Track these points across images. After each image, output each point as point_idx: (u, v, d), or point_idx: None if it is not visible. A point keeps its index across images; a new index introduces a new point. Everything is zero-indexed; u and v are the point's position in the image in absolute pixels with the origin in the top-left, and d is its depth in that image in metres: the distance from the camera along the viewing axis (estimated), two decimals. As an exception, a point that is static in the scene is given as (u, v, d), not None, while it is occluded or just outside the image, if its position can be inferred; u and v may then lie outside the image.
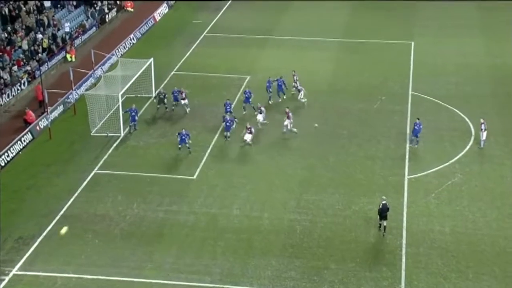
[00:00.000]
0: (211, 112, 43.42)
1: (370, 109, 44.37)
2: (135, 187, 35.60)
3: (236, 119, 40.63)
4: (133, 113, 41.24)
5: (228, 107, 41.87)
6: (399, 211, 33.28)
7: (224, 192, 35.10)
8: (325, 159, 38.30)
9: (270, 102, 44.62)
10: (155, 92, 45.88)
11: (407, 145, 39.49)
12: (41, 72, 47.91)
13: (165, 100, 43.38)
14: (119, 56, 52.97)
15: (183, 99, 43.21)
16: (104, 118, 42.39)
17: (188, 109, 43.07)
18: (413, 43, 55.25)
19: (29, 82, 48.18)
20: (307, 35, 57.77)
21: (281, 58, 52.65)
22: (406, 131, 41.18)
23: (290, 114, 40.42)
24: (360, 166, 37.51)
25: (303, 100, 44.25)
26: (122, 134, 41.00)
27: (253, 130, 39.19)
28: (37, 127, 41.66)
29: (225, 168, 37.45)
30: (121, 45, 55.17)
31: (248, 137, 38.87)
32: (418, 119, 39.54)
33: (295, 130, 40.44)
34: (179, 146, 38.22)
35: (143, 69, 44.58)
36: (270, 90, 44.85)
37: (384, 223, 31.65)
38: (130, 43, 56.57)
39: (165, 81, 48.92)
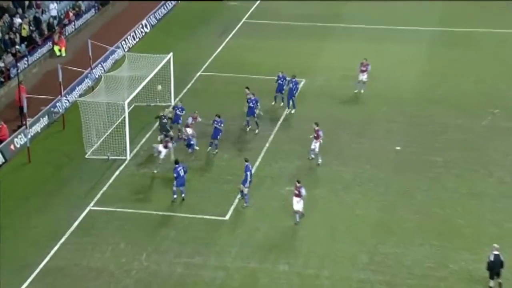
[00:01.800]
0: (250, 128, 43.88)
1: (476, 126, 44.23)
2: (145, 230, 35.90)
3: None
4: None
5: (218, 124, 41.45)
6: (520, 274, 32.89)
7: (268, 240, 35.14)
8: (410, 197, 38.12)
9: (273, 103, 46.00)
10: (174, 100, 46.43)
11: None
12: (19, 71, 48.85)
13: (168, 127, 41.78)
14: (126, 50, 53.76)
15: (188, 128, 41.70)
16: (104, 135, 42.96)
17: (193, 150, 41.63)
18: (540, 34, 55.05)
19: (1, 83, 49.20)
20: (386, 23, 57.85)
21: (350, 54, 52.69)
22: (528, 158, 40.91)
23: (321, 132, 40.53)
24: (461, 207, 37.24)
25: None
26: (128, 158, 41.53)
27: (170, 145, 39.68)
28: (11, 146, 42.39)
29: (269, 206, 37.53)
30: (129, 35, 55.99)
31: (162, 150, 39.59)
32: None
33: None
34: (174, 189, 37.43)
35: (158, 67, 45.13)
36: (283, 91, 45.80)
37: (499, 280, 31.34)
38: (141, 31, 57.39)
39: (189, 85, 49.46)
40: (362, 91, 47.85)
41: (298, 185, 35.69)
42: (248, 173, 37.09)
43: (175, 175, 37.37)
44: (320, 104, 46.71)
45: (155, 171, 40.01)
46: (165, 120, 42.01)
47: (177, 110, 43.09)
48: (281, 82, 46.03)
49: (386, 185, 39.08)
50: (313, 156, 40.82)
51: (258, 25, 58.74)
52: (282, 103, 46.34)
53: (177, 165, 37.52)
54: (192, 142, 40.84)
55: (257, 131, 43.75)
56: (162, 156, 39.89)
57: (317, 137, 40.39)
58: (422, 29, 56.53)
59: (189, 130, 41.34)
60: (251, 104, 43.42)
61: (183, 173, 37.45)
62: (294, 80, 45.68)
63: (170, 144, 40.01)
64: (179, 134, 42.70)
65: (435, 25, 57.12)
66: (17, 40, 52.28)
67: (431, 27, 56.86)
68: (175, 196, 37.58)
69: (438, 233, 35.41)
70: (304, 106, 46.49)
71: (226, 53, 54.20)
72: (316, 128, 40.50)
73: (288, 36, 56.56)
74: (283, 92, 46.10)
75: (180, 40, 55.66)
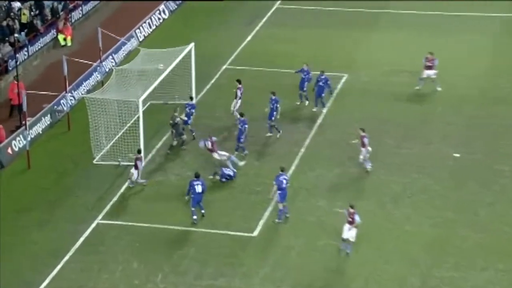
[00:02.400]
0: (282, 130, 43.77)
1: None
2: (160, 247, 35.90)
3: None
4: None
5: (240, 124, 41.59)
6: None
7: (303, 260, 35.02)
8: (470, 211, 37.89)
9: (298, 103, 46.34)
10: (195, 97, 46.44)
11: None
12: (18, 62, 49.06)
13: (182, 131, 42.44)
14: (140, 40, 53.90)
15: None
16: (115, 137, 43.16)
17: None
18: None
19: (-3, 77, 49.60)
20: (444, 8, 57.58)
21: (401, 45, 52.62)
22: None
23: (366, 139, 40.18)
24: (532, 225, 37.04)
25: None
26: (142, 163, 41.50)
27: (140, 165, 39.39)
28: (9, 150, 42.60)
29: (304, 220, 37.46)
30: (145, 22, 56.14)
31: (134, 172, 39.43)
32: None
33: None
34: (193, 209, 37.09)
35: (178, 60, 45.16)
36: (305, 88, 45.93)
37: None
38: (158, 19, 57.53)
39: (213, 80, 49.60)
40: (438, 88, 47.32)
41: (351, 210, 34.91)
42: (274, 182, 36.84)
43: (190, 189, 36.98)
44: (363, 103, 46.51)
45: (145, 184, 40.02)
46: (174, 122, 42.20)
47: (187, 108, 43.15)
48: (303, 77, 45.85)
49: (442, 197, 38.85)
50: (364, 164, 40.50)
51: (293, 11, 58.70)
52: (307, 102, 46.34)
53: (195, 179, 37.18)
54: (227, 172, 40.15)
55: (278, 135, 43.59)
56: (135, 177, 39.71)
57: (363, 145, 40.11)
58: (486, 16, 56.24)
59: (217, 155, 40.65)
60: (272, 105, 43.35)
61: (200, 190, 37.06)
62: (323, 77, 45.41)
63: (139, 163, 39.69)
64: (193, 135, 42.99)
65: (504, 10, 56.78)
66: (16, 27, 52.52)
67: (498, 13, 56.54)
68: (195, 217, 37.14)
69: (504, 254, 35.09)
70: (345, 105, 46.37)
71: (255, 44, 54.24)
72: (362, 134, 40.20)
73: (327, 25, 56.46)
74: (305, 89, 45.94)
75: (203, 29, 55.72)
